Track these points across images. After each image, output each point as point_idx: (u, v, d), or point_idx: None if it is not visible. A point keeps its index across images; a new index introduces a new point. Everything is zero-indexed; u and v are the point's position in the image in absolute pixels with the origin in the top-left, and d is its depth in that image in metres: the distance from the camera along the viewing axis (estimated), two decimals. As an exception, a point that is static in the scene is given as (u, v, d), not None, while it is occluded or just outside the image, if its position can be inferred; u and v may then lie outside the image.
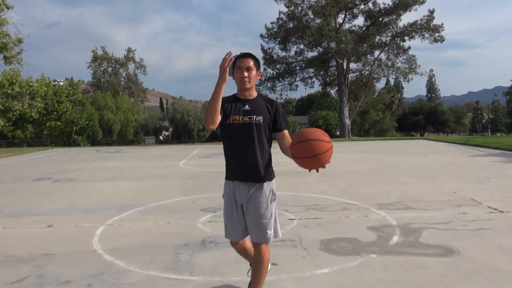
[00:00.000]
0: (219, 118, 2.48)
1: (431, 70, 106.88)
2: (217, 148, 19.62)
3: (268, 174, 2.64)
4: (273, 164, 2.77)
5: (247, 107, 2.60)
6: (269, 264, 2.81)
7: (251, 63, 2.57)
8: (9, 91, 24.02)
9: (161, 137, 48.18)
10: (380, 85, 78.21)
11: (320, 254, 3.89)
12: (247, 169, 2.60)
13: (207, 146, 23.44)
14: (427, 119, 66.20)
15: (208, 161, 13.37)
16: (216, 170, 10.53)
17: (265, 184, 2.63)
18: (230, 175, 2.69)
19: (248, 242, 2.86)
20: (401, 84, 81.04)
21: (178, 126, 42.99)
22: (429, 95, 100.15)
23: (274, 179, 2.72)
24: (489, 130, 61.60)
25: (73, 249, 4.20)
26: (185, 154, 16.13)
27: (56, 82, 35.52)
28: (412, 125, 66.30)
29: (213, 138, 46.04)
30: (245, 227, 2.69)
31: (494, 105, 74.17)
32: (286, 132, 2.69)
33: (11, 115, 26.06)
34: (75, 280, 3.38)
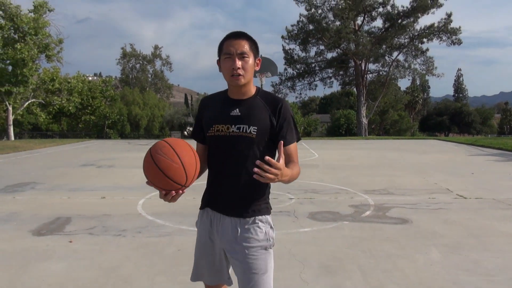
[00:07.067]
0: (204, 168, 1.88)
1: (459, 70, 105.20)
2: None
3: (262, 206, 1.85)
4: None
5: (237, 111, 1.80)
6: None
7: (246, 46, 1.76)
8: (50, 87, 26.31)
9: (185, 133, 50.09)
10: (405, 84, 77.99)
11: (307, 220, 5.22)
12: (233, 198, 1.82)
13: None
14: (452, 119, 65.56)
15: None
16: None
17: (258, 221, 1.82)
18: (210, 203, 1.89)
19: None
20: (428, 83, 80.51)
21: (202, 122, 44.45)
22: (456, 95, 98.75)
23: (270, 215, 1.90)
24: (516, 132, 60.47)
25: (124, 212, 5.69)
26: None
27: (86, 77, 37.92)
28: (436, 126, 65.72)
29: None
30: (228, 273, 1.95)
31: (524, 106, 72.52)
32: (291, 147, 1.82)
33: (51, 109, 28.49)
34: (129, 229, 4.84)
